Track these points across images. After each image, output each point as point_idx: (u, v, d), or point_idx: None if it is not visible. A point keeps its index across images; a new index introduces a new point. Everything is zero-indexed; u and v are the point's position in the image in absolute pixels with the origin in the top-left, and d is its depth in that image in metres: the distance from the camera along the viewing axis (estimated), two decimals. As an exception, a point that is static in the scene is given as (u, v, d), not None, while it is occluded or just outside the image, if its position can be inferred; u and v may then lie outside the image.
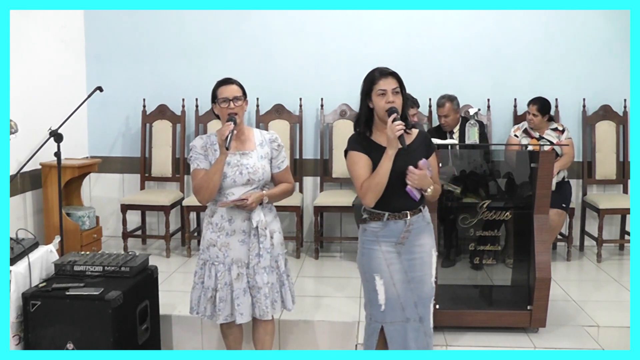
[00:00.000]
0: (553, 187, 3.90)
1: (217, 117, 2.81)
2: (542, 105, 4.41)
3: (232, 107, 2.70)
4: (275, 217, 2.88)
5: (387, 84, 2.45)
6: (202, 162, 2.75)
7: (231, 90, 2.72)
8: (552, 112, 4.61)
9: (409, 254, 2.55)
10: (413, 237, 2.55)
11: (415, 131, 2.60)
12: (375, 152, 2.48)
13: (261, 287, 2.76)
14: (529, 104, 4.46)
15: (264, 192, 2.76)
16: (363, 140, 2.53)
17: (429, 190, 2.49)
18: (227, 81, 2.77)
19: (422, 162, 2.46)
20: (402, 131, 2.37)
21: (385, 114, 2.43)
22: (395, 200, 2.50)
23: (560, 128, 4.54)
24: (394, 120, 2.37)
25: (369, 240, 2.57)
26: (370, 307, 2.60)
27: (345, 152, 2.57)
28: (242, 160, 2.74)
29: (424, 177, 2.46)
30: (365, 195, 2.46)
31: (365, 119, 2.54)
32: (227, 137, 2.59)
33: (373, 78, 2.49)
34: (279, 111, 5.07)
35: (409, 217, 2.53)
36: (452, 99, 4.50)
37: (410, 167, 2.44)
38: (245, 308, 2.77)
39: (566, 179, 4.56)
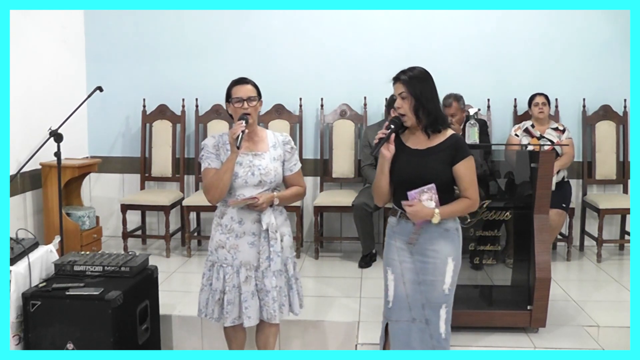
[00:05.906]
0: (553, 187, 3.89)
1: (231, 116, 2.78)
2: (546, 96, 4.54)
3: (246, 107, 2.68)
4: (285, 219, 2.85)
5: (395, 91, 2.49)
6: (214, 161, 2.72)
7: (246, 90, 2.70)
8: (551, 112, 4.63)
9: (421, 255, 2.53)
10: (425, 241, 2.51)
11: (449, 131, 2.52)
12: (399, 152, 2.51)
13: (269, 291, 2.73)
14: (534, 96, 4.55)
15: (274, 193, 2.73)
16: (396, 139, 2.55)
17: (432, 220, 2.43)
18: (242, 81, 2.74)
19: (411, 193, 2.41)
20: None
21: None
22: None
23: (561, 128, 4.55)
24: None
25: (388, 233, 2.64)
26: (384, 302, 2.64)
27: None
28: (254, 161, 2.72)
29: (419, 211, 2.41)
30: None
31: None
32: (239, 136, 2.56)
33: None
34: (279, 111, 5.07)
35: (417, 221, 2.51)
36: (458, 98, 4.50)
37: (404, 202, 2.43)
38: (253, 311, 2.74)
39: (566, 179, 4.57)
